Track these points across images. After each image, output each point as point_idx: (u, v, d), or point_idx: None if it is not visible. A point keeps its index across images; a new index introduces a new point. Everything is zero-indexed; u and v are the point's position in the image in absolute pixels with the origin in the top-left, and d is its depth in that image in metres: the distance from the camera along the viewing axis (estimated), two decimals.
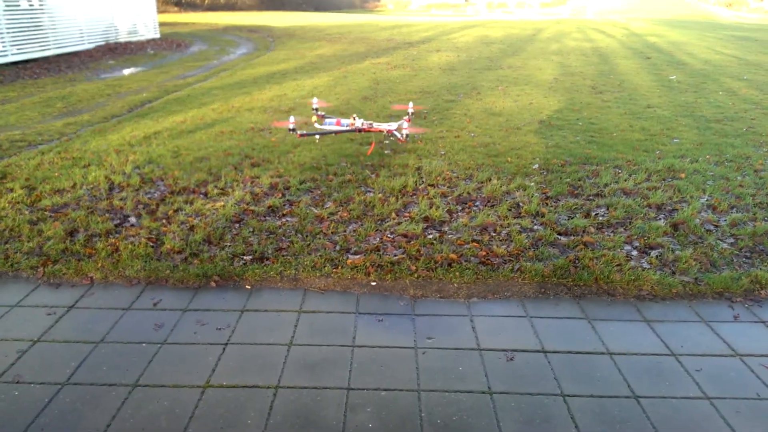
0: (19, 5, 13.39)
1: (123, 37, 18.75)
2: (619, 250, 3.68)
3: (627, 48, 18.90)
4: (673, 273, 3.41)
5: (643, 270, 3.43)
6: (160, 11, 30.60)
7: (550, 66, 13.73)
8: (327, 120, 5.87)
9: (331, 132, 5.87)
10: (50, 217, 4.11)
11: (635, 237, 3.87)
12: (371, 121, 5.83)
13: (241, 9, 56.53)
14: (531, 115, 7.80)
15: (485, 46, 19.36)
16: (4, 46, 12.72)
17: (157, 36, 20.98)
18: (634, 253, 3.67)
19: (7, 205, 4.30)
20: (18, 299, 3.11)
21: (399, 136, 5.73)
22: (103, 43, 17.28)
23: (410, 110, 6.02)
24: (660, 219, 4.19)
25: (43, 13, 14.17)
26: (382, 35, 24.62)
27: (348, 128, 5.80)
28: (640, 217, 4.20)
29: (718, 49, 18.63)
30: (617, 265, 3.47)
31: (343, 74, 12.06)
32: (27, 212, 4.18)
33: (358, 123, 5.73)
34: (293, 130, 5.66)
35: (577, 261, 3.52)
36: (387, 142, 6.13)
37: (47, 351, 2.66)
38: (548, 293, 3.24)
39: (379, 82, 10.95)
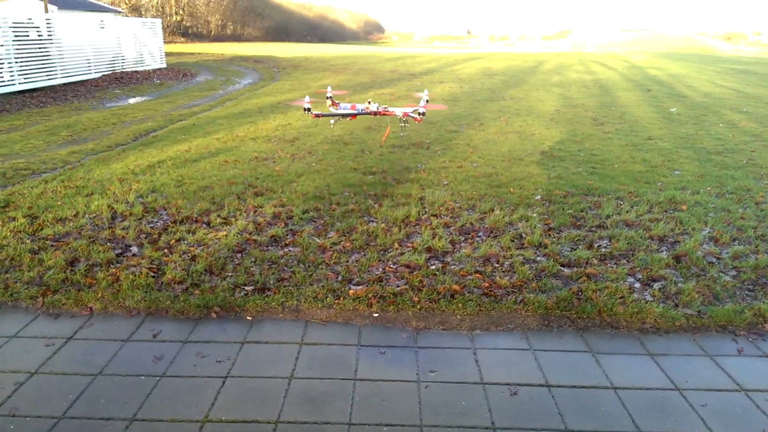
0: (28, 35, 13.68)
1: (129, 67, 19.09)
2: (622, 282, 3.66)
3: (628, 80, 19.14)
4: (676, 306, 3.38)
5: (647, 302, 3.40)
6: (167, 41, 31.23)
7: (551, 98, 13.90)
8: (342, 105, 5.79)
9: (346, 114, 5.76)
10: (51, 246, 4.12)
11: (638, 269, 3.85)
12: (386, 105, 5.74)
13: (247, 40, 57.65)
14: (533, 146, 7.86)
15: (487, 78, 19.64)
16: (11, 76, 12.95)
17: (164, 66, 21.36)
18: (637, 285, 3.65)
19: (8, 233, 4.31)
20: (17, 330, 3.09)
21: (416, 116, 5.62)
22: (109, 72, 17.58)
23: (425, 97, 5.85)
24: (662, 251, 4.18)
25: (51, 43, 14.46)
26: (386, 66, 25.02)
27: (363, 111, 5.68)
28: (642, 248, 4.19)
29: (718, 82, 18.86)
30: (620, 298, 3.44)
31: None
32: (28, 241, 4.19)
33: (373, 107, 5.62)
34: (308, 109, 5.58)
35: (580, 293, 3.49)
36: (402, 134, 5.98)
37: (45, 383, 2.63)
38: (552, 325, 3.21)
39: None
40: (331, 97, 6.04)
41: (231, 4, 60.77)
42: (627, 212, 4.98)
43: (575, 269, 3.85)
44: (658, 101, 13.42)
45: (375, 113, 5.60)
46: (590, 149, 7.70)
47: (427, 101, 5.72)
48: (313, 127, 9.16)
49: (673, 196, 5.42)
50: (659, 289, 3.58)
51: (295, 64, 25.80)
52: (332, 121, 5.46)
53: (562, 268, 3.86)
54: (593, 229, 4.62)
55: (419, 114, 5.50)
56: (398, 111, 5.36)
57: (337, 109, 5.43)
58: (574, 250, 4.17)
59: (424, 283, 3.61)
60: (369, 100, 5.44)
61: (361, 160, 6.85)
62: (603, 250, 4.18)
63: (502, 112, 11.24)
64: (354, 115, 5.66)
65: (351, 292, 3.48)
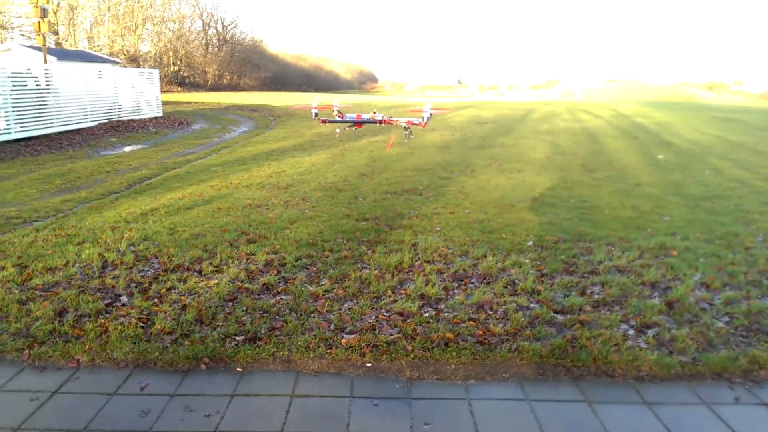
0: (26, 85, 13.92)
1: (126, 115, 19.36)
2: (616, 329, 3.64)
3: (615, 128, 19.59)
4: (671, 353, 3.36)
5: (641, 350, 3.37)
6: (164, 91, 31.80)
7: (541, 145, 14.16)
8: (347, 115, 5.86)
9: (352, 122, 5.82)
10: (40, 296, 4.07)
11: (631, 315, 3.84)
12: (391, 115, 5.84)
13: (243, 89, 58.84)
14: (524, 193, 7.95)
15: (478, 126, 20.04)
16: (8, 124, 13.08)
17: (160, 114, 21.68)
18: (631, 332, 3.63)
19: None
20: (1, 383, 3.01)
21: (421, 120, 5.65)
22: (106, 120, 17.82)
23: (428, 111, 5.86)
24: (655, 297, 4.18)
25: (49, 93, 14.71)
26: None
27: (369, 119, 5.75)
28: (635, 295, 4.19)
29: (703, 130, 19.33)
30: (615, 345, 3.42)
31: (341, 152, 12.38)
32: (17, 291, 4.14)
33: (378, 116, 5.69)
34: (317, 115, 5.65)
35: (574, 340, 3.47)
36: (406, 141, 5.94)
37: None
38: (547, 374, 3.17)
39: (376, 159, 11.23)
40: (338, 110, 6.14)
41: (228, 56, 62.34)
42: (618, 258, 5.00)
43: (569, 316, 3.83)
44: (646, 148, 13.70)
45: (380, 122, 5.69)
46: (580, 195, 7.80)
47: (431, 114, 5.82)
48: (306, 174, 9.25)
49: (663, 242, 5.46)
50: (653, 335, 3.56)
51: (291, 112, 26.25)
52: (338, 130, 5.57)
53: (555, 315, 3.84)
54: (585, 275, 4.62)
55: (424, 121, 5.57)
56: (402, 120, 5.45)
57: (343, 119, 5.55)
58: (567, 296, 4.16)
59: (417, 331, 3.58)
60: (374, 110, 5.55)
61: (355, 207, 6.90)
62: (596, 296, 4.18)
63: (493, 159, 11.42)
64: (359, 124, 5.77)
65: (343, 341, 3.44)
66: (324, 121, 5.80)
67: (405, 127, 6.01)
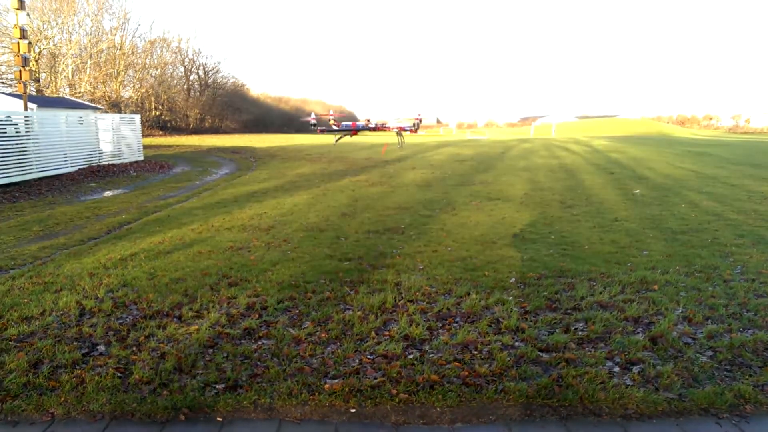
0: (5, 132, 13.83)
1: (107, 160, 19.28)
2: (601, 366, 3.64)
3: (591, 164, 20.03)
4: (657, 389, 3.35)
5: (627, 387, 3.36)
6: (145, 135, 31.84)
7: (519, 182, 14.39)
8: (344, 124, 6.26)
9: (348, 131, 6.28)
10: (15, 347, 3.94)
11: (616, 352, 3.84)
12: (384, 121, 6.28)
13: (225, 132, 59.15)
14: (505, 229, 8.02)
15: (458, 164, 20.33)
16: None
17: (141, 158, 21.62)
18: (617, 369, 3.62)
19: None
20: None
21: (411, 127, 6.11)
22: (86, 165, 17.70)
23: (418, 118, 6.39)
24: (638, 332, 4.20)
25: (29, 139, 14.62)
26: (360, 155, 25.74)
27: (363, 127, 6.14)
28: (618, 331, 4.20)
29: (677, 164, 19.86)
30: (601, 383, 3.40)
31: (322, 192, 12.43)
32: None
33: (372, 124, 6.12)
34: (314, 125, 6.02)
35: (560, 379, 3.45)
36: (399, 146, 6.26)
37: None
38: (534, 415, 3.13)
39: (357, 198, 11.28)
40: (334, 119, 6.58)
41: (210, 100, 62.87)
42: (600, 293, 5.03)
43: (554, 354, 3.82)
44: (622, 183, 14.00)
45: (374, 128, 6.15)
46: (560, 231, 7.89)
47: (420, 120, 6.35)
48: (288, 215, 9.24)
49: (643, 276, 5.53)
50: (638, 372, 3.56)
51: (272, 153, 26.39)
52: (335, 141, 5.92)
53: (540, 354, 3.83)
54: (569, 311, 4.64)
55: (414, 126, 6.08)
56: (394, 126, 5.90)
57: (339, 128, 5.97)
58: (552, 334, 4.16)
59: (402, 373, 3.53)
60: (367, 118, 5.97)
61: (337, 247, 6.89)
62: (580, 333, 4.18)
63: (473, 197, 11.55)
64: (355, 131, 6.20)
65: (327, 386, 3.37)
66: (321, 131, 6.22)
67: (397, 133, 6.50)
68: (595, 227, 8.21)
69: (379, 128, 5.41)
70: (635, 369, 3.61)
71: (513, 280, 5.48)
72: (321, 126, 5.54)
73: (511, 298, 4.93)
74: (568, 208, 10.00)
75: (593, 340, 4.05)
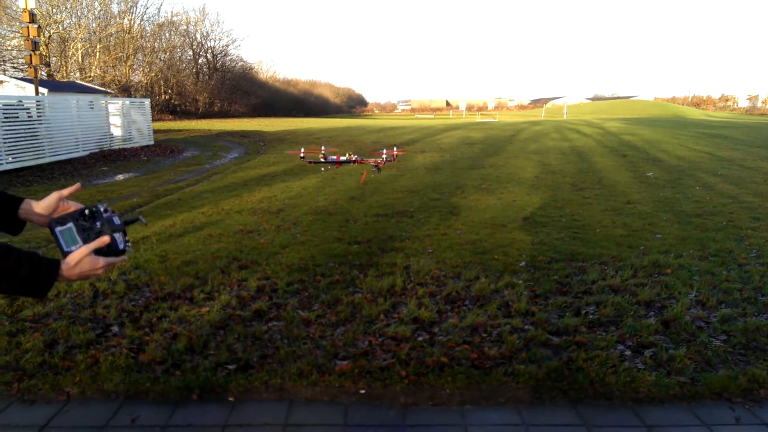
0: (17, 116, 13.92)
1: (118, 144, 19.37)
2: (612, 349, 3.62)
3: (603, 146, 19.81)
4: (669, 373, 3.33)
5: (639, 371, 3.34)
6: (155, 119, 31.92)
7: (530, 165, 14.28)
8: (330, 157, 6.81)
9: (333, 163, 6.86)
10: (30, 328, 3.99)
11: (627, 336, 3.82)
12: (362, 156, 6.83)
13: (234, 116, 59.14)
14: (515, 213, 7.97)
15: (467, 147, 20.20)
16: (0, 156, 13.04)
17: (152, 142, 21.70)
18: (628, 352, 3.60)
19: None
20: None
21: (382, 160, 6.64)
22: (97, 150, 17.80)
23: (395, 152, 6.88)
24: (650, 316, 4.17)
25: (40, 123, 14.70)
26: (369, 138, 25.68)
27: (346, 160, 6.67)
28: (630, 314, 4.17)
29: (691, 146, 19.58)
30: (612, 366, 3.39)
31: (331, 176, 12.41)
32: (7, 323, 4.06)
33: (354, 157, 6.71)
34: (303, 157, 6.56)
35: (571, 362, 3.44)
36: (373, 175, 6.64)
37: None
38: (543, 398, 3.13)
39: (366, 182, 11.26)
40: (324, 153, 7.13)
41: (219, 84, 62.78)
42: (612, 277, 5.00)
43: (564, 337, 3.80)
44: (635, 166, 13.84)
45: (354, 161, 6.72)
46: (571, 214, 7.83)
47: (395, 156, 6.96)
48: (297, 198, 9.25)
49: (656, 260, 5.47)
50: (650, 356, 3.54)
51: (281, 137, 26.38)
52: (323, 169, 6.48)
53: (550, 337, 3.82)
54: (579, 295, 4.61)
55: (386, 160, 6.63)
56: (370, 160, 6.41)
57: (326, 160, 6.53)
58: (562, 317, 4.14)
59: (411, 355, 3.53)
60: (348, 152, 6.55)
61: (346, 230, 6.89)
62: (591, 316, 4.16)
63: (483, 180, 11.48)
64: (339, 164, 6.81)
65: (337, 368, 3.39)
66: (310, 162, 6.77)
67: (373, 165, 6.98)
68: (607, 210, 8.13)
69: (359, 161, 6.02)
70: (647, 353, 3.58)
71: (523, 263, 5.45)
72: (309, 159, 6.21)
73: (521, 281, 4.91)
74: (580, 191, 9.91)
75: (604, 324, 4.03)
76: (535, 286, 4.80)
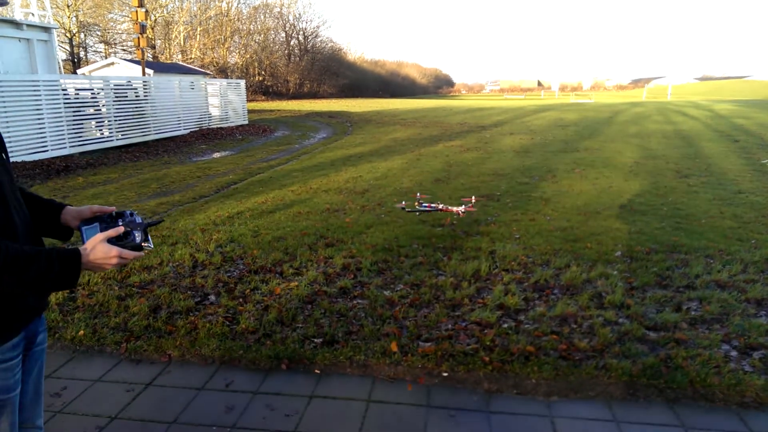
0: (126, 96, 15.03)
1: (215, 124, 20.43)
2: (716, 349, 3.35)
3: (712, 130, 18.27)
4: None
5: (745, 374, 3.08)
6: (249, 99, 33.34)
7: (629, 149, 13.45)
8: (422, 204, 6.66)
9: (425, 211, 6.71)
10: (137, 293, 4.34)
11: (734, 335, 3.52)
12: (447, 205, 6.50)
13: (322, 97, 60.49)
14: (611, 199, 7.56)
15: (560, 129, 19.36)
16: (111, 133, 14.19)
17: (246, 122, 22.70)
18: (734, 353, 3.32)
19: (99, 280, 4.60)
20: (100, 374, 3.24)
21: (461, 209, 6.30)
22: (197, 129, 18.88)
23: (465, 204, 6.46)
24: (761, 316, 3.81)
25: (147, 103, 15.80)
26: (455, 119, 25.32)
27: (435, 208, 6.55)
28: (738, 313, 3.84)
29: None
30: (715, 367, 3.14)
31: (416, 157, 12.38)
32: (117, 288, 4.44)
33: (441, 206, 6.43)
34: (403, 208, 6.51)
35: (668, 360, 3.22)
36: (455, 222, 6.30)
37: (123, 429, 2.72)
38: (638, 395, 2.97)
39: (452, 164, 11.13)
40: (418, 202, 6.94)
41: (309, 65, 64.33)
42: (718, 272, 4.61)
43: (662, 333, 3.57)
44: (748, 152, 12.64)
45: (439, 210, 6.55)
46: (674, 203, 7.30)
47: (472, 204, 6.58)
48: (382, 179, 9.32)
49: None
50: (759, 359, 3.24)
51: (367, 118, 26.64)
52: (409, 209, 6.21)
53: (647, 332, 3.60)
54: (681, 289, 4.30)
55: (464, 207, 6.24)
56: (455, 208, 6.12)
57: (420, 207, 6.37)
58: (660, 312, 3.88)
59: (496, 342, 3.47)
60: (438, 202, 6.35)
61: (431, 213, 6.85)
62: (693, 313, 3.87)
63: (576, 164, 10.97)
64: (429, 211, 6.59)
65: (420, 349, 3.40)
66: (409, 211, 6.69)
67: (455, 212, 6.62)
68: (715, 199, 7.50)
69: (443, 209, 6.01)
70: (756, 355, 3.29)
71: (619, 253, 5.16)
72: (408, 209, 6.37)
73: (615, 272, 4.66)
74: (684, 178, 9.21)
75: (708, 321, 3.74)
76: (631, 277, 4.54)
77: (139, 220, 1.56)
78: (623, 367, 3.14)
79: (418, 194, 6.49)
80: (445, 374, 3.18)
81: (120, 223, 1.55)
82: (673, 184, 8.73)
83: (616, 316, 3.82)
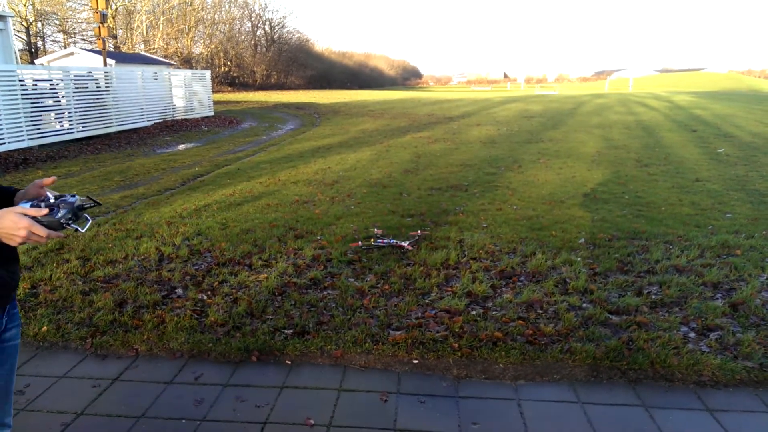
0: (87, 87, 14.57)
1: (180, 115, 20.00)
2: (675, 331, 3.49)
3: (671, 121, 18.81)
4: (735, 357, 3.18)
5: (703, 354, 3.22)
6: (215, 90, 32.70)
7: (592, 139, 13.75)
8: (378, 240, 5.77)
9: (379, 246, 5.81)
10: (102, 287, 4.25)
11: (692, 318, 3.67)
12: (397, 240, 5.67)
13: (290, 88, 59.77)
14: (574, 188, 7.74)
15: (525, 120, 19.64)
16: (71, 125, 13.75)
17: (212, 113, 22.28)
18: (692, 335, 3.47)
19: (62, 275, 4.48)
20: (65, 370, 3.17)
21: (409, 242, 5.60)
22: (161, 120, 18.46)
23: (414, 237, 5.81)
24: (717, 298, 3.98)
25: (108, 94, 15.35)
26: (423, 110, 25.39)
27: (388, 243, 5.72)
28: (695, 296, 4.00)
29: (767, 122, 18.29)
30: (674, 348, 3.27)
31: (385, 148, 12.40)
32: (80, 283, 4.34)
33: (393, 242, 5.58)
34: (360, 244, 5.62)
35: (630, 342, 3.34)
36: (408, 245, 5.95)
37: (90, 425, 2.67)
38: (601, 377, 3.07)
39: (420, 155, 11.18)
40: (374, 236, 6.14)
41: (276, 56, 63.45)
42: (677, 257, 4.79)
43: (624, 317, 3.69)
44: (705, 142, 13.09)
45: (393, 245, 5.60)
46: (635, 191, 7.52)
47: (419, 237, 5.70)
48: (351, 171, 9.31)
49: (725, 241, 5.20)
50: (716, 339, 3.39)
51: (335, 109, 26.49)
52: (363, 246, 5.38)
53: (610, 316, 3.72)
54: (642, 274, 4.45)
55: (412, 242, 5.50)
56: (403, 243, 5.39)
57: (375, 243, 5.52)
58: (622, 296, 4.01)
59: (464, 329, 3.53)
60: (391, 237, 5.45)
61: (400, 203, 6.89)
62: (653, 297, 4.01)
63: (541, 154, 11.16)
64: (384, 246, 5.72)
65: (390, 338, 3.43)
66: (365, 248, 5.71)
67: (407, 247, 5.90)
68: (674, 188, 7.76)
69: (394, 244, 5.43)
70: (712, 336, 3.43)
71: (582, 240, 5.30)
72: (365, 245, 5.61)
73: (579, 258, 4.78)
74: (645, 167, 9.49)
75: (667, 305, 3.88)
76: (594, 264, 4.67)
77: (72, 200, 1.50)
78: (587, 350, 3.24)
79: (376, 230, 5.90)
80: (416, 361, 3.22)
81: (51, 200, 1.46)
82: (634, 173, 8.98)
83: (580, 301, 3.93)
